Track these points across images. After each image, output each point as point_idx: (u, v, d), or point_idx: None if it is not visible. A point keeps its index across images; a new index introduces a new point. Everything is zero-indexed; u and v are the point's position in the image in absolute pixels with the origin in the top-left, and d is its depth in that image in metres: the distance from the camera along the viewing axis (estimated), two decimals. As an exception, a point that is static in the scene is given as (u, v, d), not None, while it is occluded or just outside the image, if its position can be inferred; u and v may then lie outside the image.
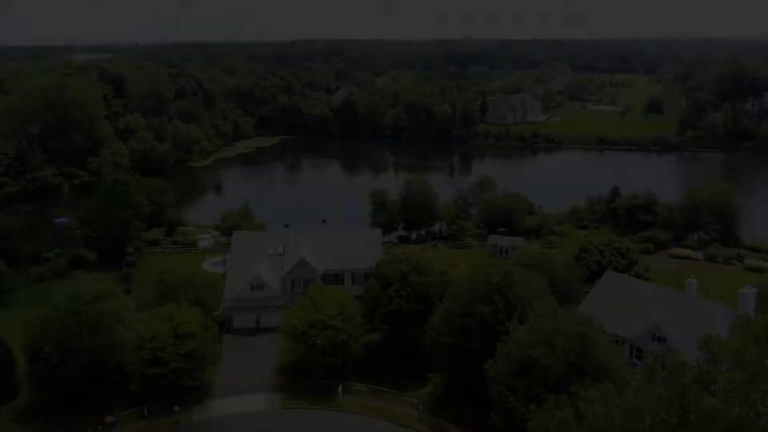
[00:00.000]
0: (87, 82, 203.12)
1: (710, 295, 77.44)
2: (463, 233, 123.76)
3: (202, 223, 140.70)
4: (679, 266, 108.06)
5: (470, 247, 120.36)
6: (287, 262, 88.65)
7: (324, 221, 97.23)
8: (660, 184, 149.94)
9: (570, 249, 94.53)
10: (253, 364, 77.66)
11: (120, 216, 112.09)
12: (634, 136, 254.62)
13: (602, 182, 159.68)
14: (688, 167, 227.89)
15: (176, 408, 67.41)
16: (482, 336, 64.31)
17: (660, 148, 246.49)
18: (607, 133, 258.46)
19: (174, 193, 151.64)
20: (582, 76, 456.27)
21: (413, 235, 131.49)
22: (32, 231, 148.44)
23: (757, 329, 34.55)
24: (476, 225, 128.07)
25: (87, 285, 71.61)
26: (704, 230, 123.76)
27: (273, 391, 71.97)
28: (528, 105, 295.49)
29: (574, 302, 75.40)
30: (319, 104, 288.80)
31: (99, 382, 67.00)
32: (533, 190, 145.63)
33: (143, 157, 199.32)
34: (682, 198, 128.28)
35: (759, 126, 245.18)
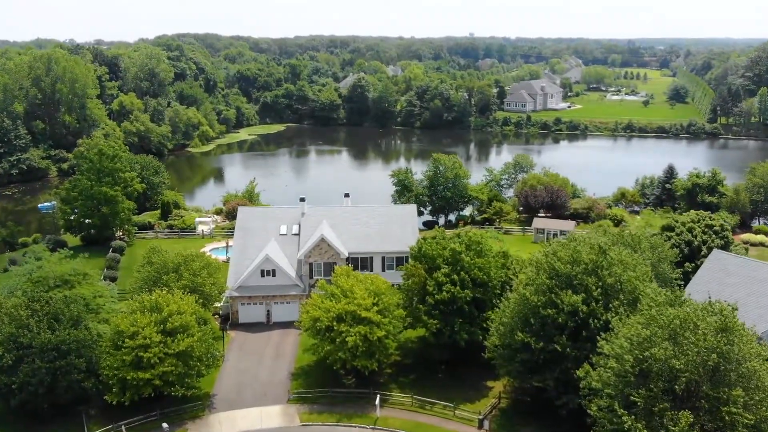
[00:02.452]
0: (78, 58, 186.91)
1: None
2: (501, 217, 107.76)
3: (201, 210, 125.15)
4: (761, 253, 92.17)
5: (510, 232, 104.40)
6: (304, 242, 72.84)
7: (347, 195, 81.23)
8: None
9: (643, 231, 78.53)
10: (263, 367, 61.89)
11: (106, 193, 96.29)
12: (663, 124, 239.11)
13: (638, 168, 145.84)
14: (725, 153, 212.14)
15: (165, 426, 51.68)
16: (572, 332, 48.58)
17: (692, 136, 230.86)
18: (635, 121, 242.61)
19: (170, 176, 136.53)
20: (597, 67, 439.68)
21: (441, 220, 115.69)
22: (15, 216, 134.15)
23: None
24: (515, 208, 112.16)
25: (52, 265, 55.82)
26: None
27: (290, 403, 56.15)
28: (548, 91, 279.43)
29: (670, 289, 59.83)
30: (328, 89, 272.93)
31: (64, 390, 51.22)
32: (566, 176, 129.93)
33: (138, 140, 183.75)
34: (744, 178, 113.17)
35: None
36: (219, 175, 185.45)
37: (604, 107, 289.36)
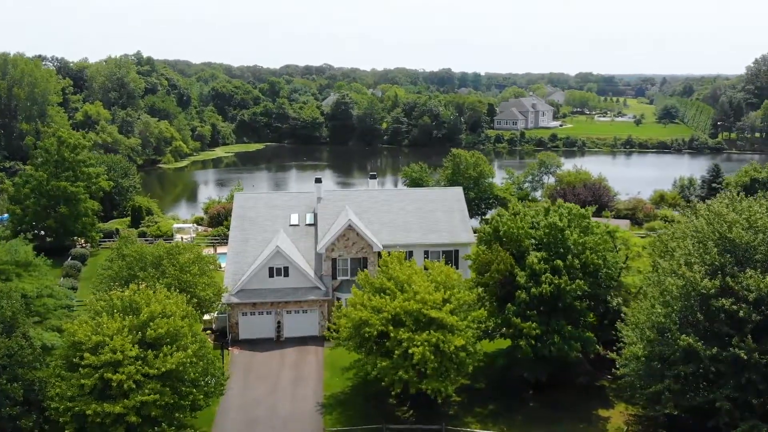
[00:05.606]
0: (38, 62, 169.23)
1: None
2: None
3: (178, 218, 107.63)
4: None
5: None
6: (323, 233, 56.09)
7: (373, 176, 65.21)
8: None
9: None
10: (281, 397, 44.61)
11: (65, 189, 78.68)
12: (663, 139, 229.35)
13: (649, 179, 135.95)
14: (733, 165, 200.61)
15: (144, 485, 34.11)
16: (756, 330, 32.68)
17: (695, 151, 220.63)
18: (634, 137, 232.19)
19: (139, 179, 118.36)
20: (579, 91, 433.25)
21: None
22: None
23: None
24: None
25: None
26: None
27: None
28: (540, 109, 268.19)
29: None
30: (309, 107, 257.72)
31: (-10, 433, 33.64)
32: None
33: (105, 152, 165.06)
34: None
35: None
36: (193, 194, 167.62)
37: (596, 126, 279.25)
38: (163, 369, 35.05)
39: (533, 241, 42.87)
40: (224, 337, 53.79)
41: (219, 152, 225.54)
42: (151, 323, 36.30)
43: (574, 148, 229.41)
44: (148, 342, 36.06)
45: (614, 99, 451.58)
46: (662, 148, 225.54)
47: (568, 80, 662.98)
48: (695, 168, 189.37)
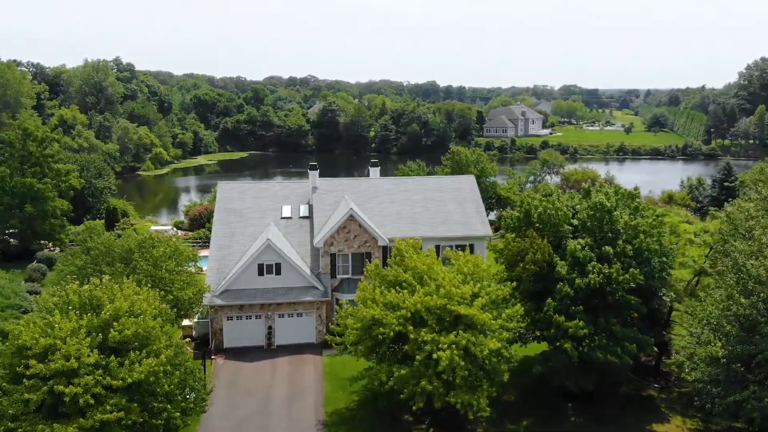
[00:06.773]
0: (11, 63, 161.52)
1: None
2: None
3: (156, 222, 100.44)
4: None
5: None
6: (319, 226, 49.23)
7: (375, 164, 58.92)
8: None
9: None
10: (274, 415, 37.56)
11: (32, 186, 71.35)
12: (657, 146, 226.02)
13: (652, 183, 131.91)
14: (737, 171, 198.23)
15: None
16: None
17: (689, 157, 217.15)
18: (627, 144, 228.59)
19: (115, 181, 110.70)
20: (566, 101, 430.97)
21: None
22: None
23: None
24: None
25: None
26: None
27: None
28: (529, 117, 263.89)
29: None
30: (295, 114, 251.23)
31: None
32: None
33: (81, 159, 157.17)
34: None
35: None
36: (173, 202, 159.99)
37: (586, 135, 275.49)
38: (130, 380, 28.07)
39: (570, 227, 36.44)
40: (206, 345, 46.69)
41: (201, 160, 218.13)
42: (115, 323, 29.33)
43: (566, 155, 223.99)
44: (110, 346, 29.07)
45: (600, 110, 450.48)
46: (655, 154, 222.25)
47: (553, 93, 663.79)
48: (691, 173, 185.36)
